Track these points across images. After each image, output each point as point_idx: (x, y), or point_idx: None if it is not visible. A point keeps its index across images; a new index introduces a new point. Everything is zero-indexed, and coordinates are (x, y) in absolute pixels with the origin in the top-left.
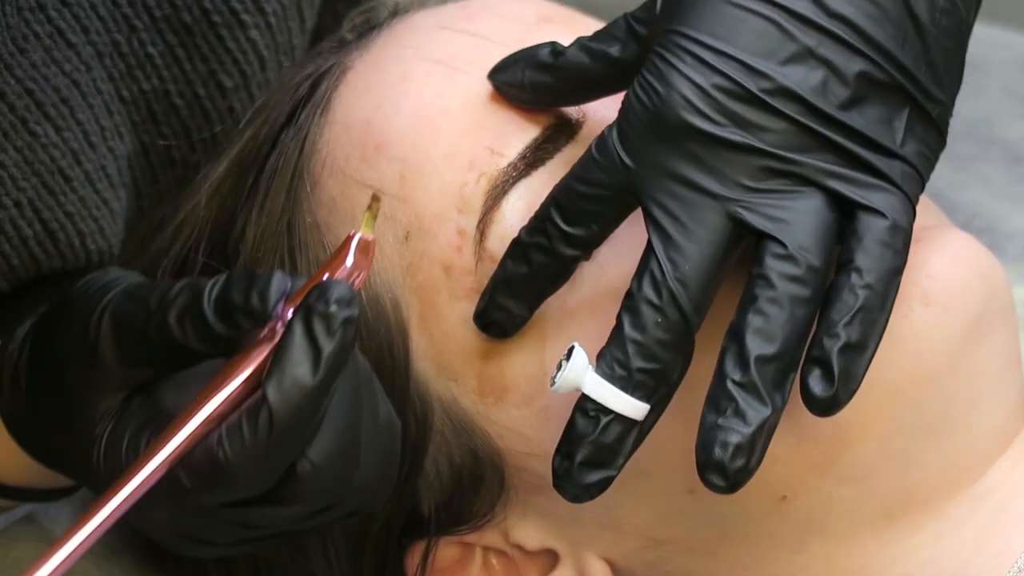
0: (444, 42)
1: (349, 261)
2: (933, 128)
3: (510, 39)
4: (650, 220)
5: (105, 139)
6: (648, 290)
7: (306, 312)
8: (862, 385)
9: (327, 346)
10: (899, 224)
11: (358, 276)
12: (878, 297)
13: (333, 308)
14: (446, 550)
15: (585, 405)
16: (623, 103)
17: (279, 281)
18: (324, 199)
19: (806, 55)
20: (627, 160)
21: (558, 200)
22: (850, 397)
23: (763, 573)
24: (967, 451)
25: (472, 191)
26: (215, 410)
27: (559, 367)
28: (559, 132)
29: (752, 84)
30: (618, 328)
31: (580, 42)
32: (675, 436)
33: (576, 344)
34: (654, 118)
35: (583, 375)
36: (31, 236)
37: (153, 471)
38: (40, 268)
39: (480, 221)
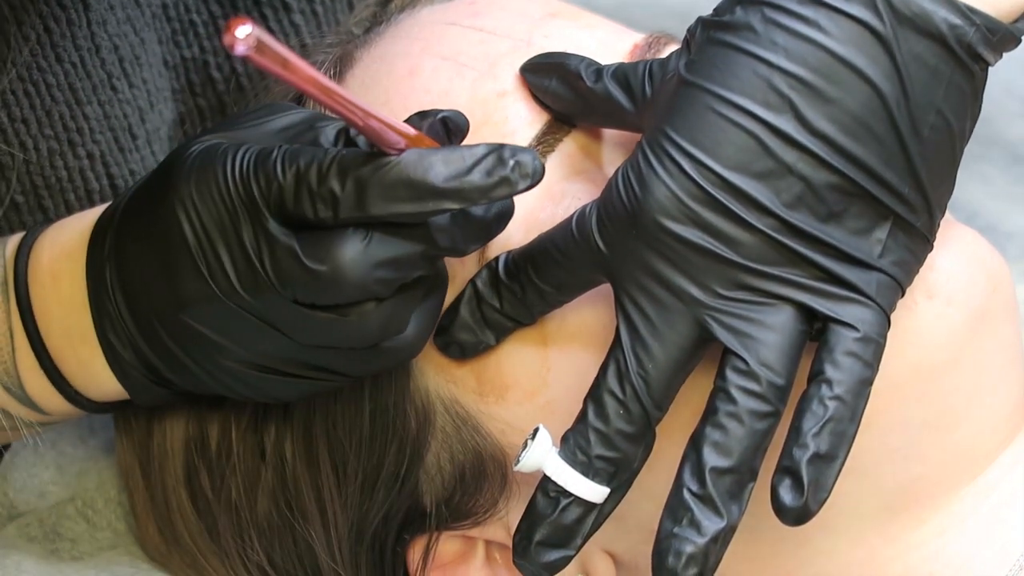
0: (451, 38)
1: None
2: (918, 236)
3: (517, 34)
4: (621, 310)
5: (161, 100)
6: (612, 382)
7: None
8: None
9: None
10: (869, 336)
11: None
12: (847, 408)
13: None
14: (448, 544)
15: (547, 486)
16: (605, 189)
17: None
18: None
19: (784, 171)
20: (602, 247)
21: (534, 257)
22: (820, 506)
23: (766, 567)
24: (969, 445)
25: None
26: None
27: (524, 446)
28: (562, 119)
29: (726, 197)
30: (582, 415)
31: (604, 77)
32: (678, 430)
33: (541, 426)
34: (632, 217)
35: (546, 457)
36: (97, 190)
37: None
38: None
39: None
